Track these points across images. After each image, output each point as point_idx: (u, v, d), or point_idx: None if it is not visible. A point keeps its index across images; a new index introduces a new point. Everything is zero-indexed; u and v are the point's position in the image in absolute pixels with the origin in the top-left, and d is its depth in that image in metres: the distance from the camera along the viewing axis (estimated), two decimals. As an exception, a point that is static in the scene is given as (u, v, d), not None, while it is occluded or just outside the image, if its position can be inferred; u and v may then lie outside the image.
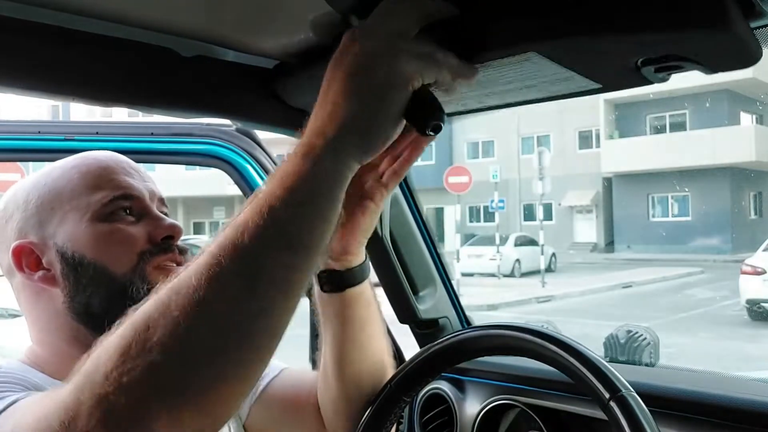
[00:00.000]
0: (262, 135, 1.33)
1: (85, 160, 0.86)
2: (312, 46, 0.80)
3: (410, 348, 1.31)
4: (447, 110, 0.61)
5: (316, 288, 0.86)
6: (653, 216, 22.26)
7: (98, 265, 0.79)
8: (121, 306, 0.76)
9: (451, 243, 20.56)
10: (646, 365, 1.37)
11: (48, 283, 0.80)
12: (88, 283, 0.79)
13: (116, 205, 0.82)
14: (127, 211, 0.83)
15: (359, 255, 0.83)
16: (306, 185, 0.54)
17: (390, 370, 0.91)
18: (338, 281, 0.83)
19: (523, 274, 17.35)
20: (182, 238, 0.87)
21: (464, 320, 1.41)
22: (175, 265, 0.82)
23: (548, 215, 22.37)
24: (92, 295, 0.79)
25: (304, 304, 1.56)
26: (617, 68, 0.62)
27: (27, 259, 0.81)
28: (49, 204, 0.82)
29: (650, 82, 0.63)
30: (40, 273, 0.80)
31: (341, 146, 0.55)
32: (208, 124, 1.36)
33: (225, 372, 0.52)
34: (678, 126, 21.41)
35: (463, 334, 0.86)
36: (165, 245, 0.83)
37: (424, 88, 0.58)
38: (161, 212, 0.86)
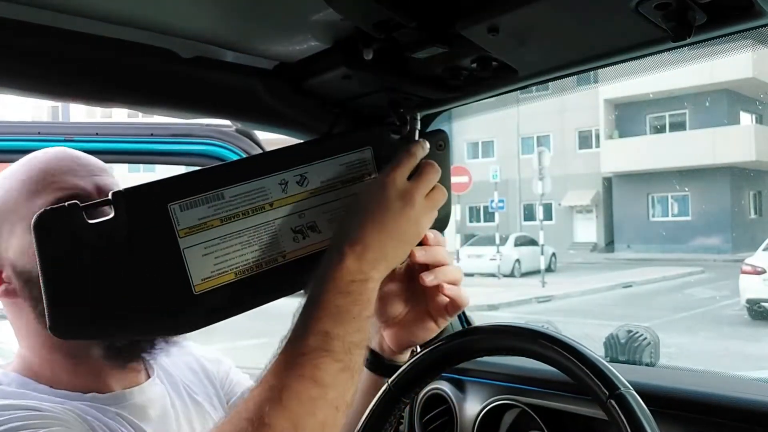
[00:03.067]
0: (262, 135, 1.33)
1: (26, 164, 0.83)
2: (312, 47, 0.80)
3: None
4: None
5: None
6: (653, 216, 22.24)
7: None
8: None
9: (451, 243, 20.55)
10: (647, 365, 1.37)
11: (10, 296, 0.79)
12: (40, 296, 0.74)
13: None
14: None
15: (405, 357, 0.89)
16: None
17: None
18: (378, 367, 0.88)
19: (523, 274, 17.34)
20: None
21: (464, 320, 1.41)
22: None
23: (548, 215, 22.36)
24: None
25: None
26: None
27: None
28: (0, 217, 0.80)
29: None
30: (2, 288, 0.79)
31: None
32: (207, 125, 1.36)
33: None
34: (678, 126, 21.38)
35: (463, 334, 0.86)
36: None
37: None
38: None
